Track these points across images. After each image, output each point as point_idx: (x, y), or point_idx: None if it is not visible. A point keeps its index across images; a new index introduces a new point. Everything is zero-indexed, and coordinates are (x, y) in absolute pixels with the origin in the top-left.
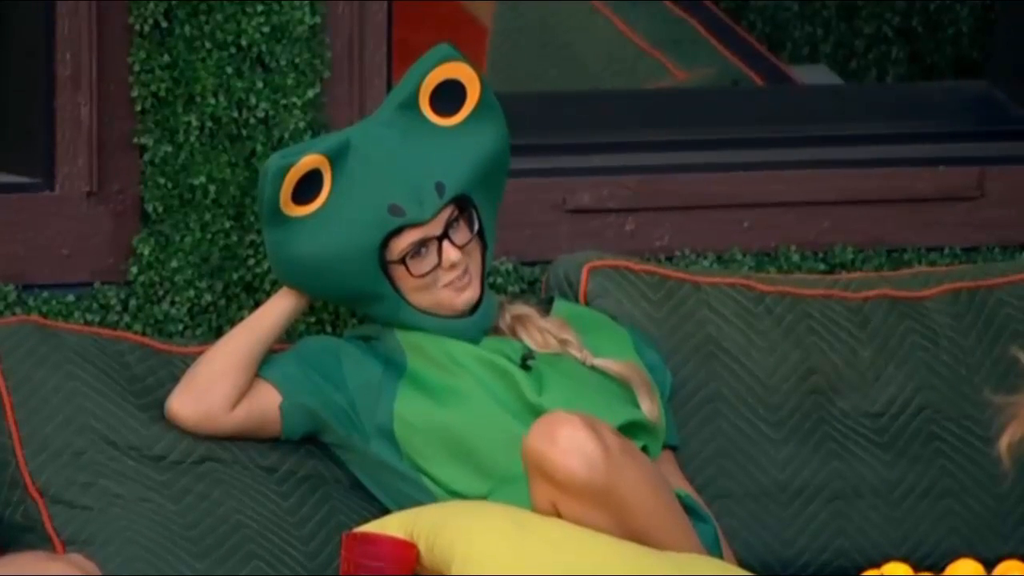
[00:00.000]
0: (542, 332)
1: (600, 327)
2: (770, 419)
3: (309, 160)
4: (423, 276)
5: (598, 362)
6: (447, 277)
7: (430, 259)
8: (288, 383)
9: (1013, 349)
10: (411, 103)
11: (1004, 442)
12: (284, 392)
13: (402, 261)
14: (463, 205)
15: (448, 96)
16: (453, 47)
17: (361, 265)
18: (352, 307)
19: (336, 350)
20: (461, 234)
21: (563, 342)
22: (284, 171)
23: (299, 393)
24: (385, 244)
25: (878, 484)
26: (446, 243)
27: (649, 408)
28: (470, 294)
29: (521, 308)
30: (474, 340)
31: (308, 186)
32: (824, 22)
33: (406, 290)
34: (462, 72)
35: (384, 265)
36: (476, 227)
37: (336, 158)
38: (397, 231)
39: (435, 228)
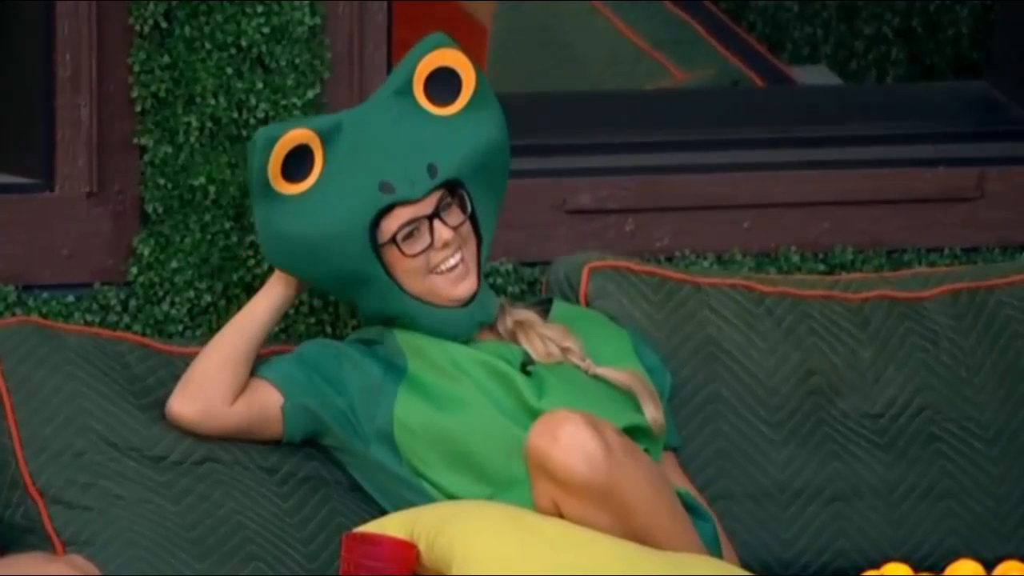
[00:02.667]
0: (544, 340)
1: (599, 328)
2: (770, 420)
3: (298, 134)
4: (416, 256)
5: (600, 371)
6: (439, 257)
7: (422, 239)
8: (289, 384)
9: None
10: (406, 90)
11: None
12: (285, 393)
13: (394, 242)
14: (455, 190)
15: (443, 85)
16: (447, 35)
17: (353, 245)
18: (342, 294)
19: (337, 353)
20: (453, 216)
21: (565, 350)
22: (272, 142)
23: (300, 394)
24: (376, 224)
25: (878, 485)
26: (437, 222)
27: (654, 416)
28: (468, 284)
29: (523, 314)
30: (467, 333)
31: (299, 164)
32: (824, 23)
33: (399, 274)
34: (456, 60)
35: (376, 248)
36: (469, 210)
37: (327, 137)
38: (388, 209)
39: (426, 207)
